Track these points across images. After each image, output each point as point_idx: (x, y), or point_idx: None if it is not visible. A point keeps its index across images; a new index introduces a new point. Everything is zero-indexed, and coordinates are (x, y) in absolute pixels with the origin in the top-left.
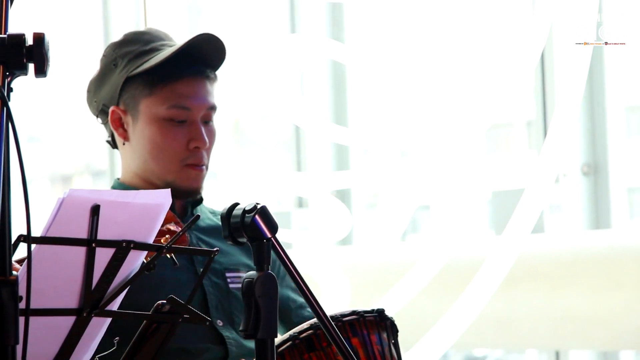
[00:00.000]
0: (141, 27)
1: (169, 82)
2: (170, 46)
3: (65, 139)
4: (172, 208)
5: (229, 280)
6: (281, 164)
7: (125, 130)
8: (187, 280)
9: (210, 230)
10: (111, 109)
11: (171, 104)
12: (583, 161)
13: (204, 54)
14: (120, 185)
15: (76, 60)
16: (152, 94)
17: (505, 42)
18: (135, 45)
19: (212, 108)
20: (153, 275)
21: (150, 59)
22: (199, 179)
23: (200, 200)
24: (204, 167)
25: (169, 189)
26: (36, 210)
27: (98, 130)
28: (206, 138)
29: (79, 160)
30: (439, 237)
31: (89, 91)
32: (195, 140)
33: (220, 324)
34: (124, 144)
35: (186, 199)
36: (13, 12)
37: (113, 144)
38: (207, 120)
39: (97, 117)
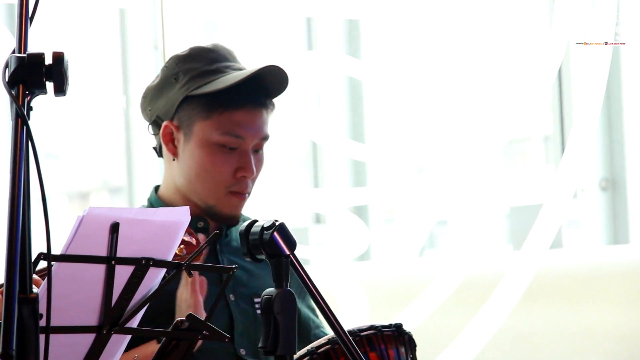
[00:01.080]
0: (159, 44)
1: (227, 110)
2: (234, 69)
3: (82, 156)
4: (206, 228)
5: (256, 306)
6: (298, 180)
7: (175, 147)
8: (218, 305)
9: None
10: (164, 123)
11: (225, 130)
12: (601, 176)
13: (266, 84)
14: (157, 201)
15: (93, 77)
16: (209, 117)
17: (522, 57)
18: (199, 63)
19: (265, 138)
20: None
21: (212, 81)
22: (240, 206)
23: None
24: (247, 195)
25: (187, 207)
26: (54, 227)
27: (115, 147)
28: (254, 167)
29: (96, 176)
30: (457, 253)
31: (144, 97)
32: (243, 170)
33: (243, 352)
34: (173, 159)
35: (223, 224)
36: (32, 32)
37: (159, 153)
38: (257, 149)
39: (149, 125)
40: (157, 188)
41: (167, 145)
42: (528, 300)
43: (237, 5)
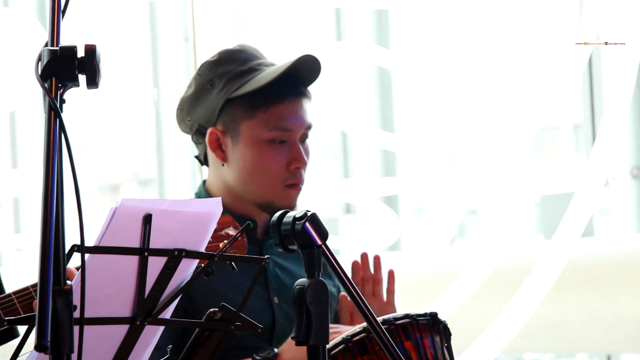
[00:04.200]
0: (189, 36)
1: (271, 105)
2: (267, 65)
3: (112, 148)
4: (254, 229)
5: None
6: (328, 170)
7: (223, 152)
8: (262, 307)
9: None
10: (209, 130)
11: (273, 125)
12: (632, 164)
13: (301, 74)
14: (206, 195)
15: (123, 69)
16: (254, 116)
17: (552, 45)
18: (232, 65)
19: (310, 127)
20: (228, 301)
21: (249, 80)
22: (297, 197)
23: None
24: (302, 184)
25: (220, 198)
26: (86, 219)
27: (145, 139)
28: (305, 157)
29: (126, 168)
30: (488, 242)
31: (181, 109)
32: (296, 161)
33: None
34: (222, 165)
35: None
36: (64, 25)
37: (203, 161)
38: (303, 139)
39: (191, 136)
40: (204, 182)
41: (215, 151)
42: (559, 289)
43: None
